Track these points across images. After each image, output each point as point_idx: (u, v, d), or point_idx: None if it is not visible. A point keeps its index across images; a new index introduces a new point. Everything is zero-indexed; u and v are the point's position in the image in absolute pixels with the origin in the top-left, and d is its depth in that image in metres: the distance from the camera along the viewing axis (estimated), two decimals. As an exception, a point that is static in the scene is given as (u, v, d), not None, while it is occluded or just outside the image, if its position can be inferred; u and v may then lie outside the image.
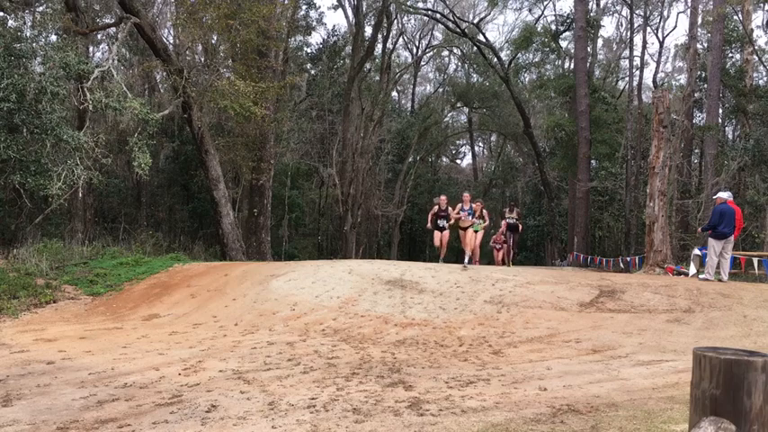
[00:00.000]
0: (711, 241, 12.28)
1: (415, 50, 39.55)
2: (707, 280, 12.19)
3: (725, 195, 12.52)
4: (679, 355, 7.65)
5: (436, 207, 14.64)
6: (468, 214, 14.48)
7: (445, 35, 36.89)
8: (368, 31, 30.72)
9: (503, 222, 18.10)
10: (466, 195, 14.83)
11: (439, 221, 14.40)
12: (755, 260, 13.74)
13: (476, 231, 14.54)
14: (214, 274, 13.52)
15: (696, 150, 28.98)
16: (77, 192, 16.08)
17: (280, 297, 11.45)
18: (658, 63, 42.62)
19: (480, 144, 49.93)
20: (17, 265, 13.29)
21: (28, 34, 14.91)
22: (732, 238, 12.29)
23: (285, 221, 29.87)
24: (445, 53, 41.85)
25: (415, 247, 40.21)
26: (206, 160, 18.97)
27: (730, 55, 26.22)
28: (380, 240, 37.30)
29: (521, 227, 17.81)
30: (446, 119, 42.03)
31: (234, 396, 5.84)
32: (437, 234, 14.54)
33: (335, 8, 33.79)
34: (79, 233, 19.26)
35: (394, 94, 40.79)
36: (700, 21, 23.83)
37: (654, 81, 31.53)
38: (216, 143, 20.45)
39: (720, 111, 26.48)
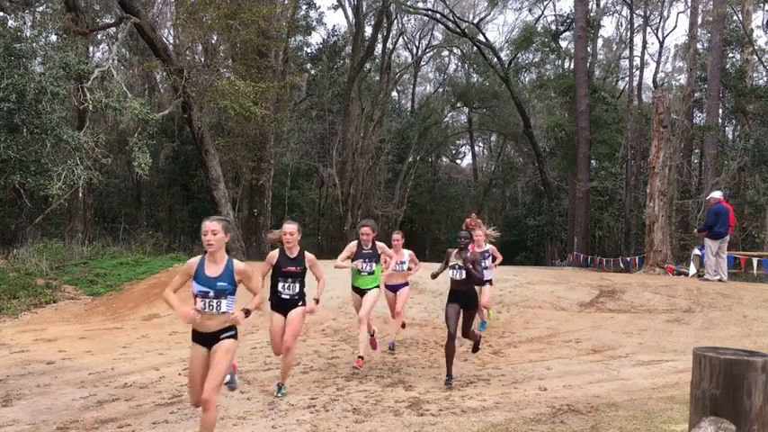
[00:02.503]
0: (708, 241, 12.31)
1: (415, 50, 39.55)
2: (708, 280, 12.20)
3: (718, 195, 12.58)
4: (679, 355, 7.64)
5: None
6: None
7: (445, 35, 36.86)
8: (368, 31, 30.73)
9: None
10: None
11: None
12: (755, 260, 13.74)
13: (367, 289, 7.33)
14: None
15: (696, 150, 28.95)
16: (77, 192, 16.08)
17: (280, 297, 11.43)
18: (658, 63, 42.60)
19: (480, 144, 49.90)
20: (17, 265, 13.28)
21: (28, 34, 14.90)
22: (727, 237, 12.33)
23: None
24: (445, 53, 41.83)
25: (416, 248, 40.19)
26: (206, 160, 18.96)
27: (730, 55, 26.20)
28: (380, 240, 37.26)
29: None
30: (446, 119, 42.00)
31: (234, 396, 5.84)
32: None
33: (335, 8, 33.79)
34: (79, 233, 19.24)
35: (394, 94, 40.78)
36: (700, 21, 23.81)
37: (654, 81, 31.51)
38: (216, 143, 20.43)
39: (720, 111, 26.46)
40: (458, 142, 48.29)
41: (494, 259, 9.50)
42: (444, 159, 47.06)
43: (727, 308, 9.97)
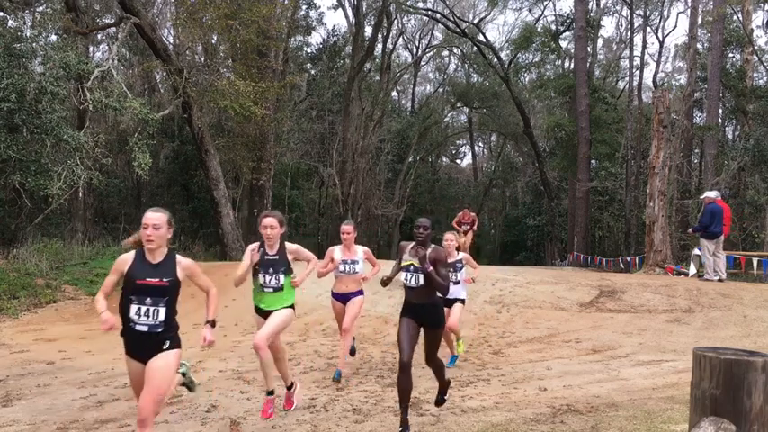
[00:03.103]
0: (704, 241, 12.33)
1: (415, 50, 39.55)
2: (708, 280, 12.21)
3: (713, 195, 12.60)
4: (679, 355, 7.64)
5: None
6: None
7: (445, 35, 36.87)
8: (368, 31, 30.74)
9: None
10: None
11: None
12: (755, 260, 13.74)
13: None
14: (214, 274, 13.50)
15: (696, 150, 28.96)
16: (77, 192, 16.08)
17: (280, 297, 11.44)
18: (658, 63, 42.52)
19: (480, 144, 49.91)
20: (17, 265, 13.27)
21: (28, 34, 14.89)
22: (722, 237, 12.35)
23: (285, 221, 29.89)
24: (445, 53, 41.83)
25: (415, 247, 40.20)
26: (206, 160, 18.97)
27: (730, 55, 26.20)
28: (380, 240, 37.27)
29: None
30: (446, 119, 42.01)
31: (234, 396, 5.84)
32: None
33: (335, 8, 33.80)
34: (79, 233, 19.24)
35: (394, 94, 40.78)
36: (700, 21, 23.80)
37: (654, 81, 31.51)
38: (216, 143, 20.44)
39: (720, 111, 26.46)
40: (458, 142, 48.32)
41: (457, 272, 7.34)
42: (444, 159, 47.08)
43: (727, 308, 9.96)
